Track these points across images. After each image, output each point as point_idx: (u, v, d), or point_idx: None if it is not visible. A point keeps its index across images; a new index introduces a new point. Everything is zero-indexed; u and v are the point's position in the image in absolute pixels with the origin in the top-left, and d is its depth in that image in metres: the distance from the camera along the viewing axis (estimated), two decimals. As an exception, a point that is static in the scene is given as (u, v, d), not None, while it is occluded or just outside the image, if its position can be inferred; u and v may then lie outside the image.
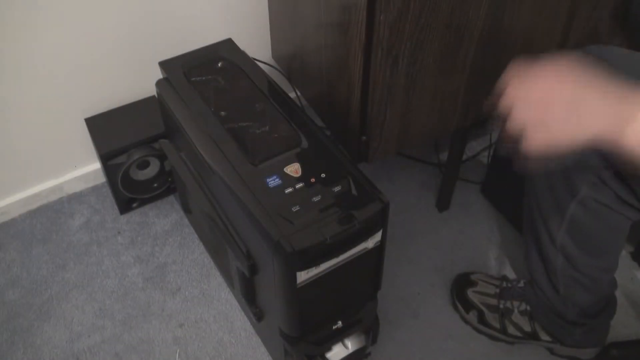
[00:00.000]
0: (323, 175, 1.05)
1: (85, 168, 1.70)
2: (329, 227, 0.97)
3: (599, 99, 0.71)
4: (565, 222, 1.11)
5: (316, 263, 0.99)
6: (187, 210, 1.60)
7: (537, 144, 0.72)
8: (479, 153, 1.85)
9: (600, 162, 0.99)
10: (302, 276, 0.99)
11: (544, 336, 1.35)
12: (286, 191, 1.03)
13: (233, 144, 1.13)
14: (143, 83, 1.56)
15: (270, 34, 1.62)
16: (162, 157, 1.56)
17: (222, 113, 1.20)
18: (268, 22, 1.60)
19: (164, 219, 1.65)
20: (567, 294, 1.23)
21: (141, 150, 1.51)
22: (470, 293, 1.44)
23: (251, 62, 1.35)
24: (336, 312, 1.16)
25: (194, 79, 1.29)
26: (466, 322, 1.44)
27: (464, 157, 1.66)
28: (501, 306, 1.39)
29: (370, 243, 1.05)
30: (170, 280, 1.52)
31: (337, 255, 1.01)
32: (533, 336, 1.36)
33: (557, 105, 0.72)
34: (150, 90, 1.40)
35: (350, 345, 1.21)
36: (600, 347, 1.36)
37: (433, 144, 1.85)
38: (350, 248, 1.02)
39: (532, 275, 1.31)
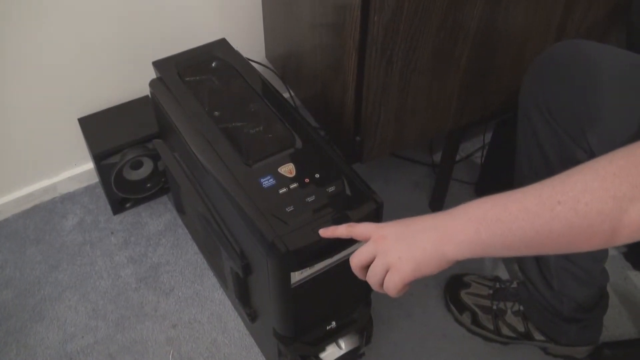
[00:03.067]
0: (317, 175, 1.05)
1: (79, 168, 1.69)
2: (323, 227, 0.97)
3: (420, 223, 0.81)
4: None
5: (310, 263, 0.99)
6: (180, 210, 1.60)
7: (397, 283, 0.80)
8: (473, 153, 1.85)
9: (579, 149, 1.00)
10: (296, 276, 0.99)
11: (538, 336, 1.35)
12: (280, 191, 1.03)
13: (227, 144, 1.12)
14: (137, 83, 1.56)
15: (264, 34, 1.62)
16: (155, 157, 1.56)
17: (216, 113, 1.20)
18: (262, 22, 1.60)
19: (158, 219, 1.65)
20: (561, 288, 1.23)
21: (135, 150, 1.51)
22: (463, 295, 1.44)
23: (245, 62, 1.35)
24: (330, 312, 1.16)
25: (187, 78, 1.29)
26: (460, 323, 1.44)
27: (458, 157, 1.66)
28: (494, 307, 1.39)
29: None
30: (163, 280, 1.51)
31: (331, 256, 1.01)
32: (527, 336, 1.36)
33: (389, 241, 0.82)
34: (144, 90, 1.40)
35: (344, 345, 1.21)
36: (593, 346, 1.36)
37: (427, 145, 1.85)
38: (344, 248, 1.02)
39: (525, 274, 1.31)
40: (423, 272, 0.79)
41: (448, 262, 0.78)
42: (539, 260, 1.24)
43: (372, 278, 0.84)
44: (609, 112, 0.96)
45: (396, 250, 0.81)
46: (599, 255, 1.21)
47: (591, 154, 0.99)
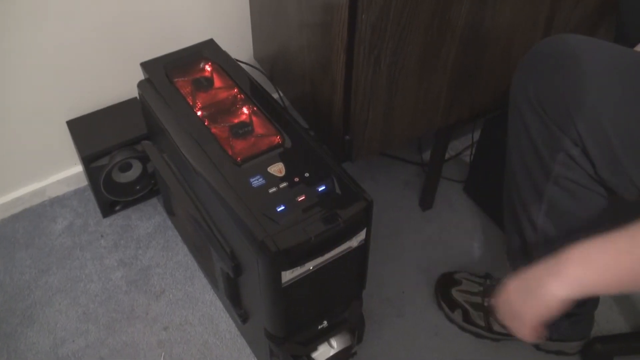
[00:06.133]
0: (307, 174, 1.05)
1: (68, 171, 1.68)
2: (313, 226, 0.97)
3: (538, 273, 0.88)
4: (544, 204, 1.12)
5: (301, 262, 0.99)
6: (170, 212, 1.60)
7: (523, 327, 0.90)
8: (462, 152, 1.86)
9: (569, 141, 1.02)
10: (287, 276, 0.99)
11: (529, 332, 1.36)
12: (270, 191, 1.03)
13: (216, 145, 1.12)
14: (125, 84, 1.56)
15: (252, 35, 1.62)
16: (144, 159, 1.55)
17: (205, 113, 1.20)
18: (249, 23, 1.60)
19: (147, 221, 1.65)
20: None
21: (124, 152, 1.50)
22: (454, 292, 1.44)
23: (233, 62, 1.35)
24: (321, 311, 1.16)
25: (176, 79, 1.29)
26: (451, 321, 1.44)
27: (447, 156, 1.66)
28: (485, 304, 1.40)
29: (355, 242, 1.05)
30: (154, 283, 1.51)
31: (322, 254, 1.01)
32: (518, 333, 1.37)
33: (515, 293, 0.92)
34: (133, 92, 1.40)
35: (336, 344, 1.21)
36: (585, 341, 1.37)
37: (416, 144, 1.86)
38: (334, 247, 1.02)
39: (516, 270, 1.31)
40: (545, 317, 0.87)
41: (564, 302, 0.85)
42: (530, 254, 1.24)
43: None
44: (594, 98, 0.98)
45: (525, 309, 0.89)
46: None
47: (582, 146, 1.00)
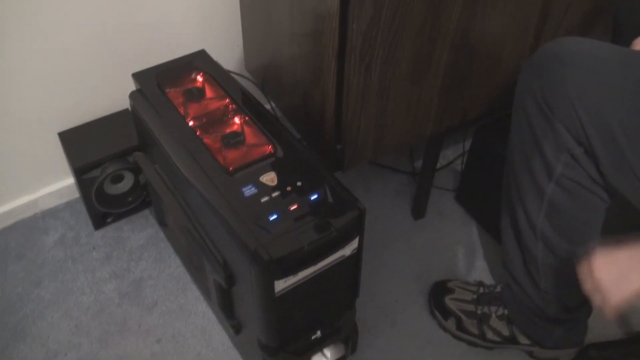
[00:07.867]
0: (299, 183, 1.05)
1: (60, 183, 1.68)
2: (306, 235, 0.97)
3: (635, 261, 0.90)
4: (544, 204, 1.14)
5: (294, 271, 0.99)
6: (162, 223, 1.59)
7: (607, 304, 0.93)
8: (453, 161, 1.86)
9: (573, 140, 1.03)
10: (280, 285, 0.99)
11: (523, 340, 1.36)
12: (262, 200, 1.03)
13: (208, 155, 1.12)
14: (117, 95, 1.55)
15: (243, 46, 1.62)
16: (136, 171, 1.55)
17: (197, 124, 1.20)
18: (241, 34, 1.60)
19: (139, 233, 1.64)
20: (547, 287, 1.24)
21: (115, 163, 1.50)
22: (447, 300, 1.44)
23: (225, 73, 1.35)
24: (315, 321, 1.16)
25: (167, 90, 1.29)
26: (445, 329, 1.44)
27: (438, 165, 1.66)
28: (479, 312, 1.40)
29: (348, 250, 1.05)
30: (146, 295, 1.50)
31: (314, 263, 1.01)
32: (512, 340, 1.37)
33: (604, 271, 0.93)
34: (124, 103, 1.40)
35: (330, 354, 1.20)
36: (579, 348, 1.37)
37: (407, 153, 1.86)
38: (327, 255, 1.02)
39: (511, 274, 1.31)
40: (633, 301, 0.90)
41: None
42: (526, 260, 1.24)
43: None
44: (599, 94, 1.01)
45: (608, 279, 0.93)
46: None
47: (587, 144, 1.02)
